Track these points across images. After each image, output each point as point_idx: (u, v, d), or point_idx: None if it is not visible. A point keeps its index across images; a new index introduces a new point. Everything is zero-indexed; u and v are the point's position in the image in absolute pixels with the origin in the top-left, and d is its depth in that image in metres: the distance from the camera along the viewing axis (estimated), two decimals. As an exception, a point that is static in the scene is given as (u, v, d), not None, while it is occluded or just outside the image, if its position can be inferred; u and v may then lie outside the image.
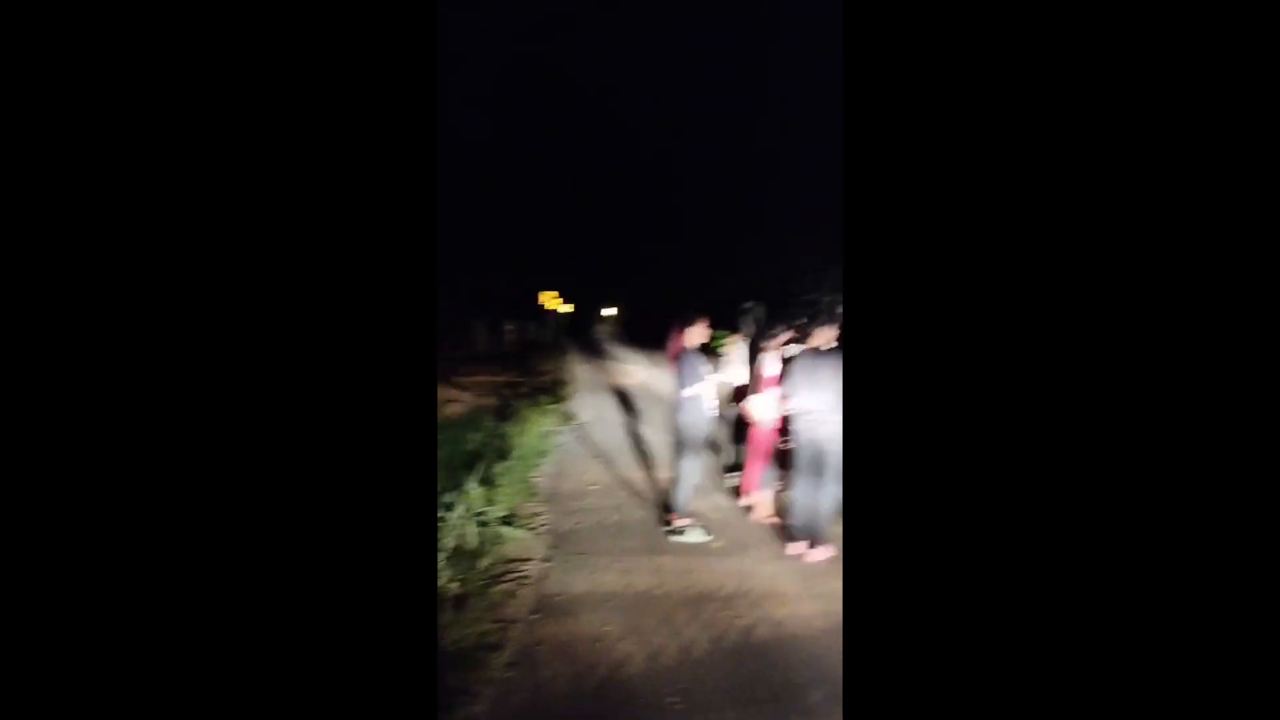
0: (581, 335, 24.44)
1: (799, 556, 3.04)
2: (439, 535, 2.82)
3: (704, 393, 3.13)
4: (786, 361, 3.23)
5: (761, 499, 3.57)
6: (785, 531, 3.25)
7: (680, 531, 3.23)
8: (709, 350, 3.34)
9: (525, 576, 2.73)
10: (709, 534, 3.26)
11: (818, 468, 3.01)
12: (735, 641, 2.30)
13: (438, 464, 3.91)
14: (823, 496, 3.00)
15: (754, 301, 4.72)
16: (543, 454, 4.68)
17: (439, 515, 2.97)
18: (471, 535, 2.89)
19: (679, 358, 3.16)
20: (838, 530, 3.03)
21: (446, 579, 2.52)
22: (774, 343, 3.40)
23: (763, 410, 3.34)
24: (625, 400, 7.74)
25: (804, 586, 2.74)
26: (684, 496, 3.22)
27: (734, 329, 4.06)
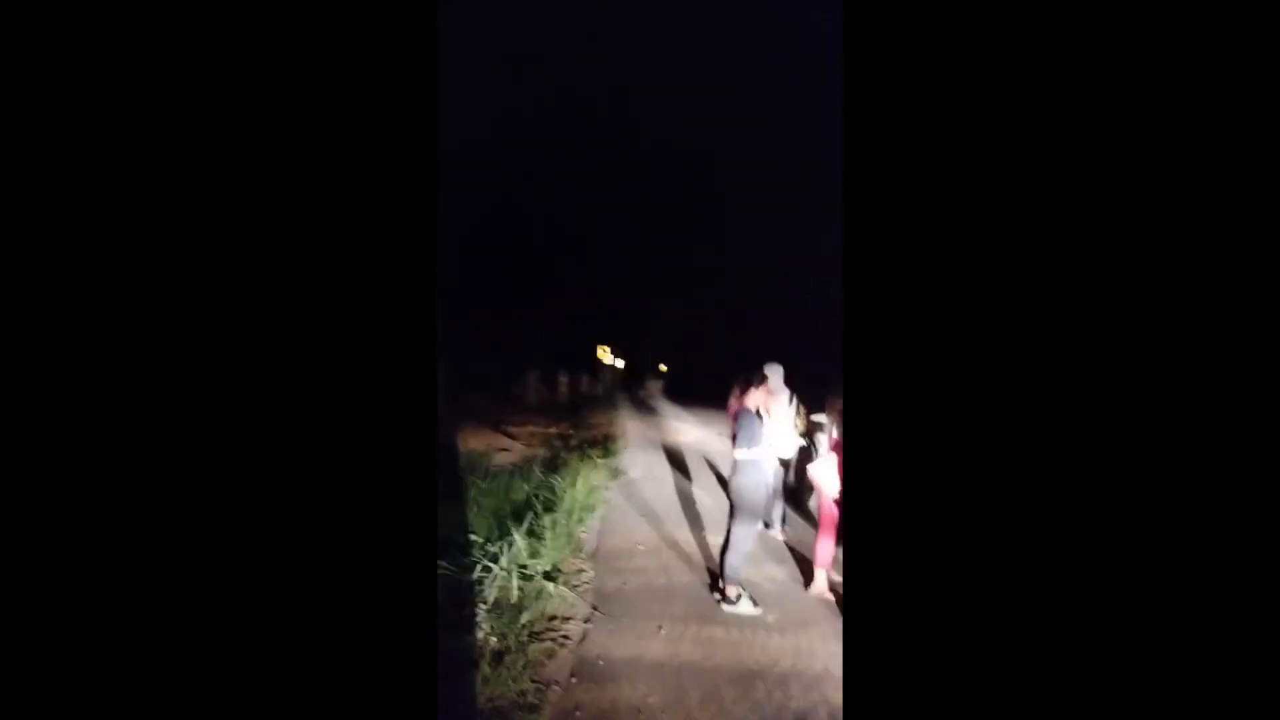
0: (634, 391, 24.52)
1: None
2: (481, 588, 2.77)
3: (762, 456, 3.02)
4: None
5: (825, 572, 3.35)
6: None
7: (732, 600, 3.05)
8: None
9: (566, 636, 2.63)
10: (758, 606, 3.06)
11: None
12: (789, 728, 2.10)
13: (477, 511, 3.91)
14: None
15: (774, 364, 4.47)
16: (590, 509, 4.60)
17: (483, 565, 2.93)
18: (514, 589, 2.82)
19: (737, 417, 3.08)
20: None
21: (486, 632, 2.45)
22: (837, 405, 3.27)
23: (829, 478, 3.18)
24: (675, 458, 7.60)
25: (866, 672, 2.50)
26: (735, 564, 3.06)
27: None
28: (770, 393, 3.11)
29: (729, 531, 3.11)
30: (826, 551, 3.33)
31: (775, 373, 3.54)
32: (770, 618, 2.99)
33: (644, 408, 16.40)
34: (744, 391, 3.12)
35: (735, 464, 3.07)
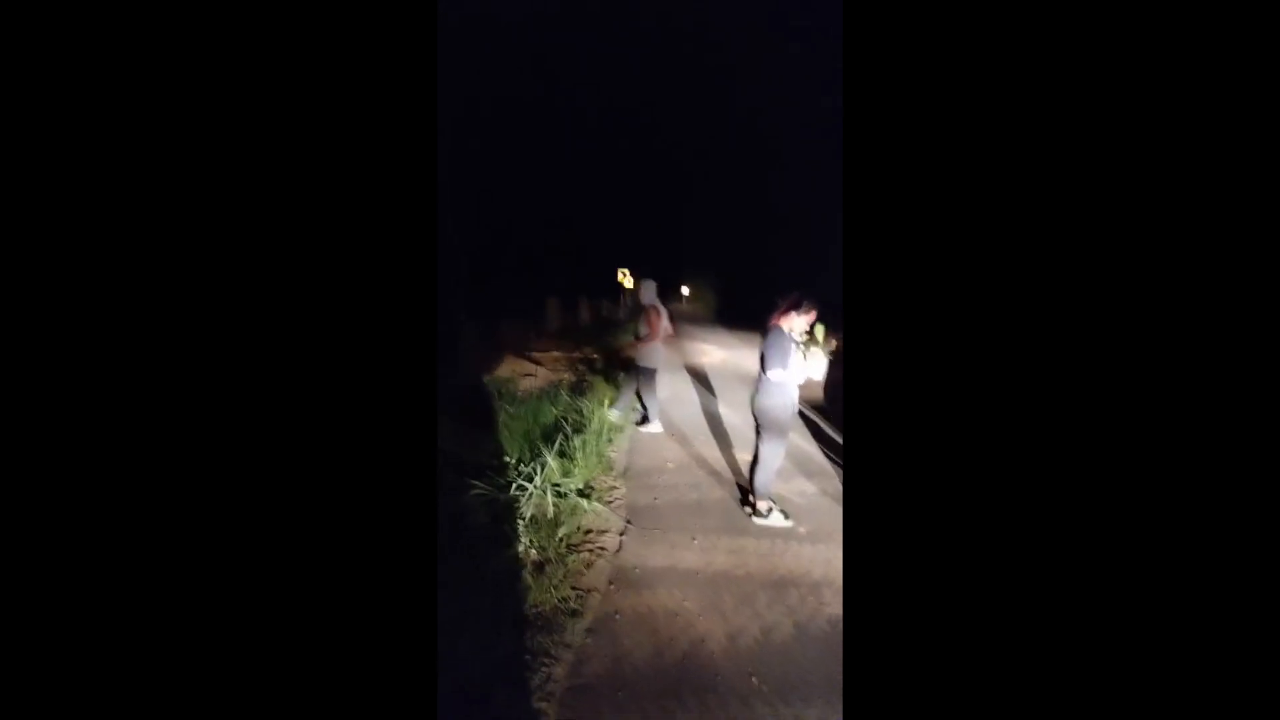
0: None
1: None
2: (518, 505, 2.85)
3: (790, 378, 2.96)
4: None
5: None
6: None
7: (762, 514, 3.10)
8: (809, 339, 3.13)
9: (603, 548, 2.71)
10: (790, 519, 3.11)
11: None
12: (822, 630, 2.17)
13: (508, 435, 3.98)
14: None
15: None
16: (618, 430, 4.66)
17: (518, 485, 3.00)
18: (548, 505, 2.90)
19: (767, 337, 3.00)
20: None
21: (525, 546, 2.54)
22: None
23: None
24: (701, 380, 7.62)
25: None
26: (764, 480, 3.09)
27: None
28: (806, 317, 3.01)
29: (757, 449, 3.12)
30: None
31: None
32: (802, 529, 3.04)
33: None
34: (784, 314, 3.02)
35: (761, 383, 3.03)
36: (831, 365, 5.74)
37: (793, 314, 2.99)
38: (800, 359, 2.97)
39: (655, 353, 4.62)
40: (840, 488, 3.73)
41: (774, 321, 3.04)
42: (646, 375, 4.69)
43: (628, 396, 4.87)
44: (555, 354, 8.47)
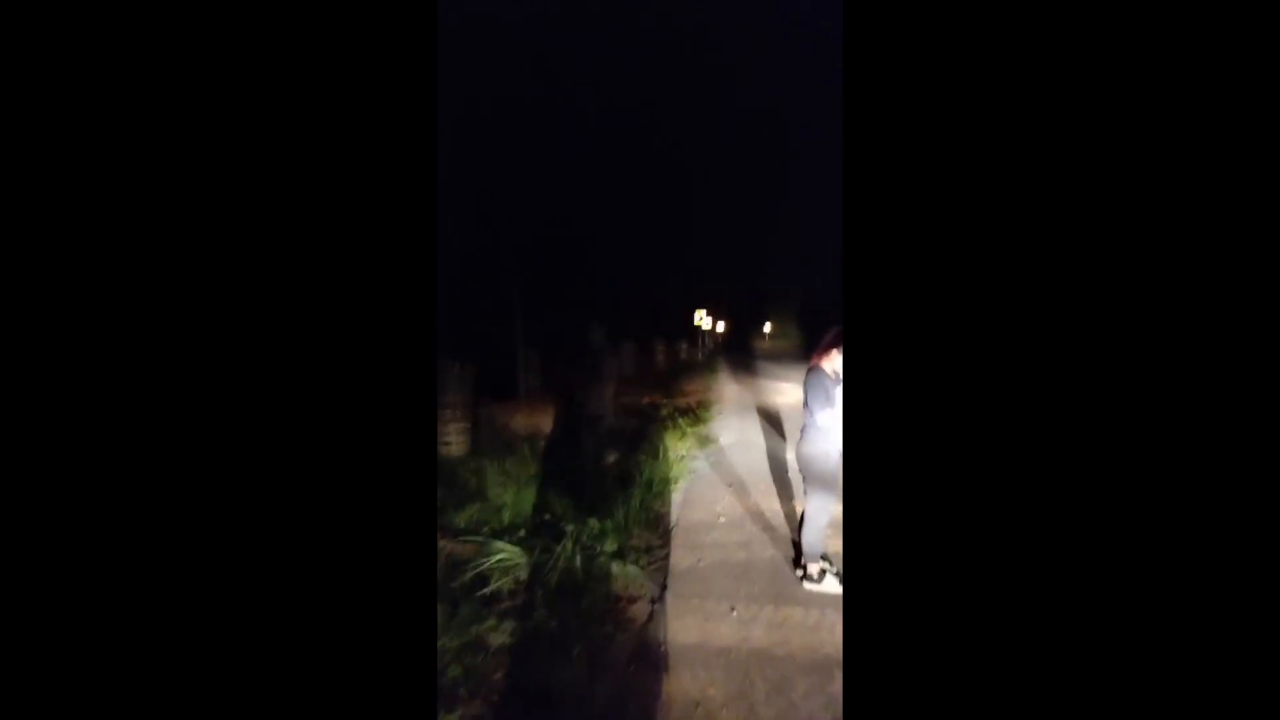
0: (737, 354, 23.98)
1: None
2: (543, 571, 2.72)
3: (835, 421, 2.67)
4: None
5: None
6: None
7: (814, 579, 2.77)
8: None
9: (629, 619, 2.51)
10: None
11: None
12: (869, 730, 1.83)
13: (553, 490, 3.89)
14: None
15: None
16: (672, 481, 4.46)
17: (542, 547, 2.88)
18: (576, 569, 2.75)
19: (807, 378, 2.74)
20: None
21: (544, 618, 2.40)
22: None
23: None
24: (772, 422, 7.25)
25: (971, 662, 2.14)
26: (813, 539, 2.77)
27: None
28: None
29: (806, 505, 2.82)
30: None
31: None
32: (859, 597, 2.68)
33: (744, 371, 15.95)
34: (825, 352, 2.77)
35: (804, 430, 2.75)
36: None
37: (834, 351, 2.72)
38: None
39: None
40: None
41: (814, 361, 2.79)
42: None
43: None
44: (624, 400, 8.43)
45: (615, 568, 2.84)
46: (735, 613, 2.56)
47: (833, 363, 2.72)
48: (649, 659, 2.24)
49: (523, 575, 2.71)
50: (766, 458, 5.40)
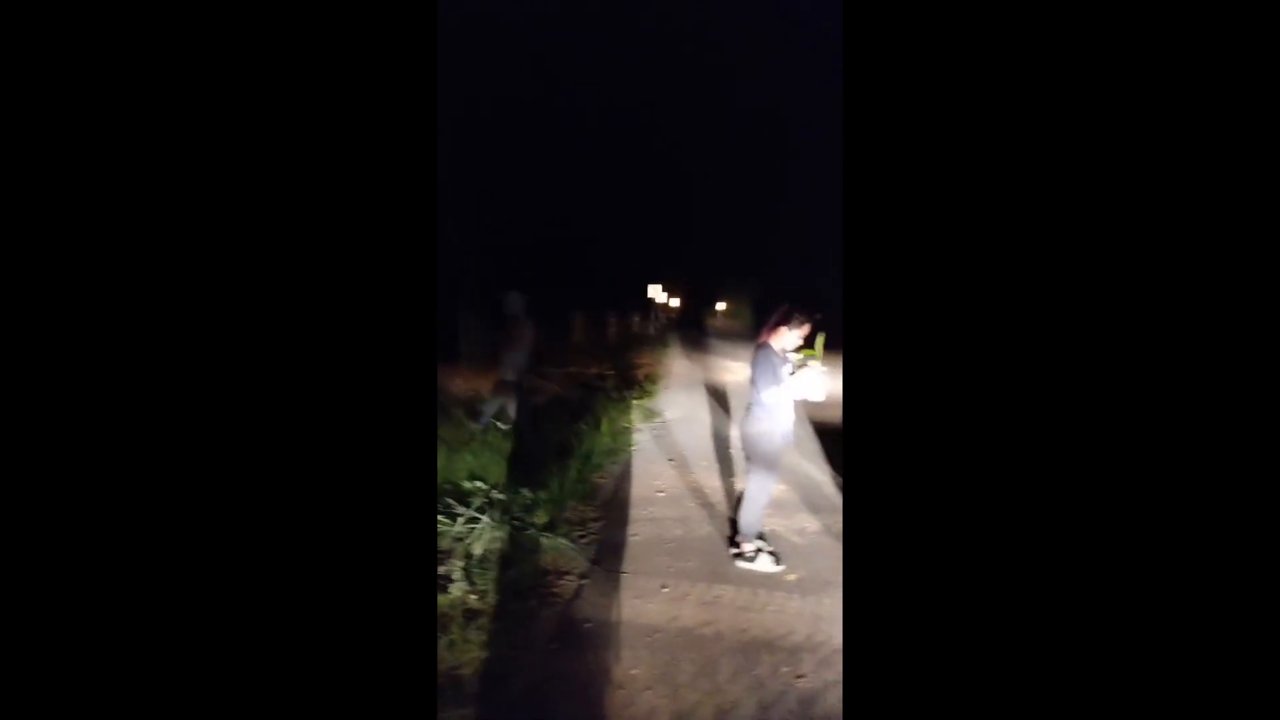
0: (691, 330, 24.05)
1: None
2: (465, 541, 2.57)
3: (781, 400, 2.60)
4: None
5: None
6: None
7: (749, 557, 2.73)
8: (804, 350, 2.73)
9: (556, 595, 2.40)
10: (781, 563, 2.72)
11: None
12: (790, 710, 1.79)
13: (491, 457, 3.71)
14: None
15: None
16: (613, 454, 4.35)
17: (468, 518, 2.72)
18: (503, 541, 2.61)
19: (756, 355, 2.65)
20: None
21: (464, 591, 2.25)
22: None
23: None
24: (720, 399, 7.24)
25: (897, 645, 2.13)
26: (750, 519, 2.72)
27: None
28: (799, 331, 2.65)
29: (746, 483, 2.76)
30: None
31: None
32: (792, 576, 2.65)
33: (697, 346, 15.98)
34: (773, 330, 2.67)
35: (750, 409, 2.67)
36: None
37: (783, 329, 2.64)
38: (797, 378, 2.61)
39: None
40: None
41: (762, 339, 2.70)
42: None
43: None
44: (570, 369, 8.25)
45: (545, 540, 2.72)
46: (666, 590, 2.48)
47: (781, 341, 2.64)
48: (573, 637, 2.13)
49: (442, 545, 2.55)
50: (711, 434, 5.36)
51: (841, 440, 5.13)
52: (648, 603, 2.38)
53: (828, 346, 2.75)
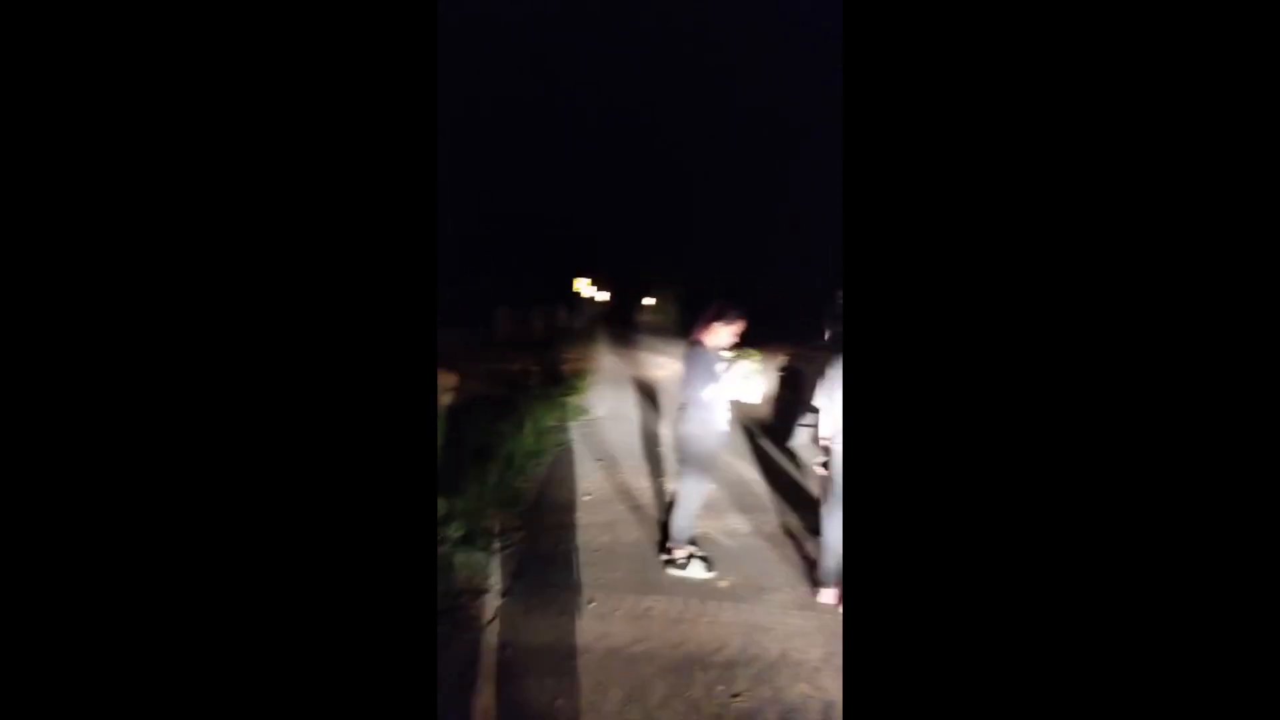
0: (619, 324, 23.94)
1: (832, 606, 2.39)
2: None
3: (715, 400, 2.49)
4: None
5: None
6: (815, 573, 2.59)
7: (680, 564, 2.61)
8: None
9: (471, 616, 2.17)
10: (713, 569, 2.62)
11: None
12: (728, 739, 1.67)
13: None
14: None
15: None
16: (537, 456, 4.12)
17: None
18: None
19: (690, 353, 2.52)
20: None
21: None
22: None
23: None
24: (649, 395, 7.14)
25: (830, 651, 2.08)
26: (682, 524, 2.60)
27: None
28: (733, 329, 2.54)
29: (678, 486, 2.63)
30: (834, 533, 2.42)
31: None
32: (724, 582, 2.56)
33: (625, 342, 15.88)
34: (707, 327, 2.55)
35: (682, 408, 2.55)
36: (782, 380, 5.33)
37: (716, 326, 2.53)
38: (732, 378, 2.50)
39: None
40: (779, 524, 3.26)
41: (695, 336, 2.57)
42: None
43: None
44: (493, 365, 7.88)
45: (460, 556, 2.47)
46: (594, 605, 2.31)
47: (715, 338, 2.53)
48: (490, 667, 1.92)
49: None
50: (640, 432, 5.24)
51: (770, 437, 5.16)
52: (573, 621, 2.20)
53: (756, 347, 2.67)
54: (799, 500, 3.68)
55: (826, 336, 4.35)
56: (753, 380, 2.54)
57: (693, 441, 2.53)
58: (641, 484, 3.82)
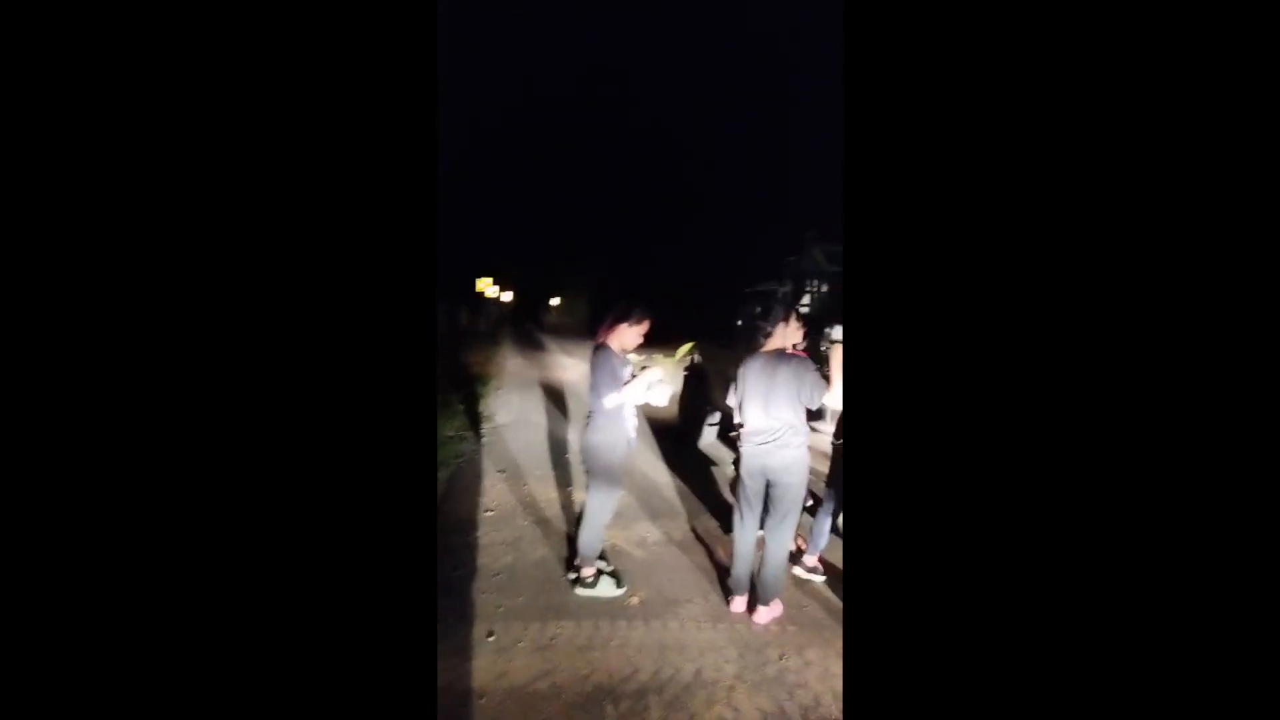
0: (525, 325, 23.35)
1: (743, 615, 2.33)
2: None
3: (624, 405, 2.36)
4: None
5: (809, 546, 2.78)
6: (726, 583, 2.53)
7: (589, 583, 2.45)
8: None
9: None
10: (623, 585, 2.49)
11: (769, 505, 2.30)
12: (642, 780, 1.53)
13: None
14: (773, 541, 2.28)
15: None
16: (435, 468, 3.80)
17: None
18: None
19: (595, 357, 2.37)
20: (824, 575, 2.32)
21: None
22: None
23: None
24: (556, 399, 6.91)
25: (745, 666, 2.00)
26: (590, 540, 2.44)
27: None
28: (638, 329, 2.42)
29: (587, 500, 2.47)
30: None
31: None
32: (635, 599, 2.43)
33: (531, 344, 15.45)
34: (611, 328, 2.40)
35: (590, 416, 2.39)
36: (687, 380, 5.30)
37: (621, 327, 2.40)
38: (640, 382, 2.38)
39: None
40: (690, 529, 3.19)
41: (600, 338, 2.43)
42: None
43: None
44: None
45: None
46: (493, 639, 2.10)
47: (620, 340, 2.40)
48: None
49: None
50: (547, 439, 5.02)
51: (678, 441, 5.12)
52: (470, 659, 1.97)
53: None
54: (711, 502, 3.64)
55: (738, 333, 4.36)
56: (660, 385, 2.43)
57: (600, 451, 2.38)
58: (549, 495, 3.62)
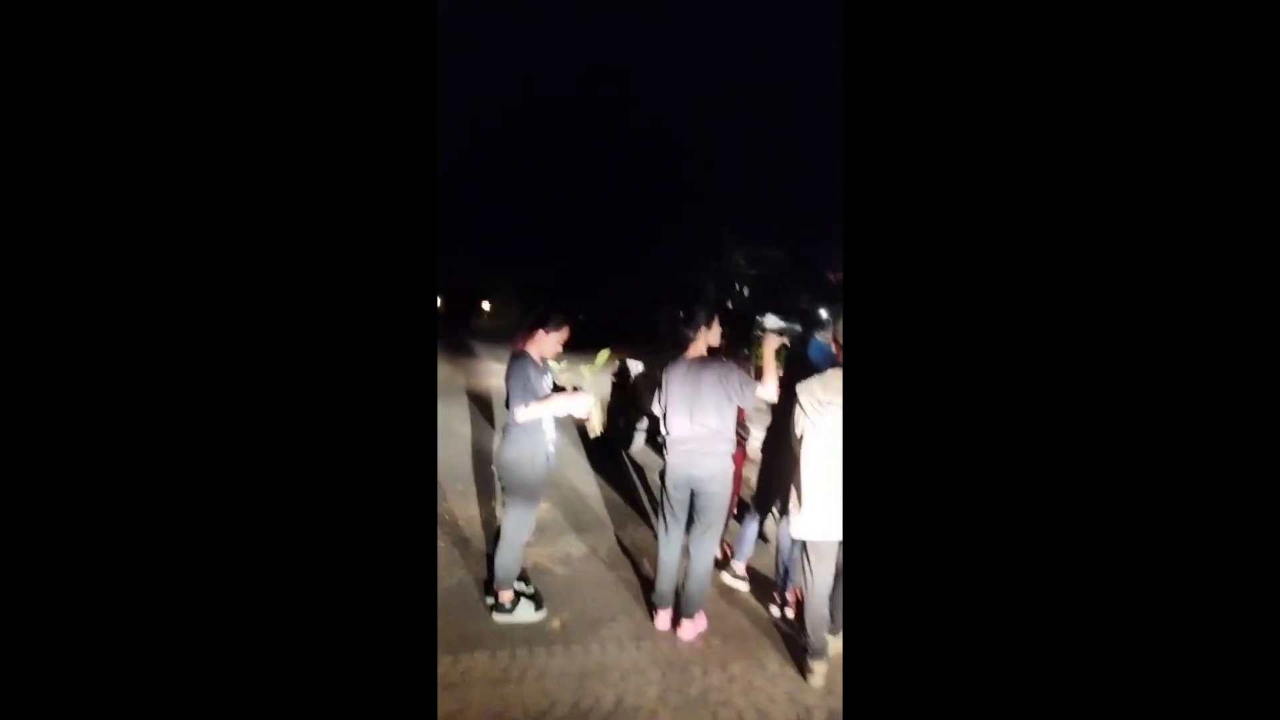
0: (453, 330, 22.58)
1: (669, 634, 2.27)
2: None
3: (541, 418, 2.24)
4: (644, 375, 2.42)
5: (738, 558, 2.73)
6: (650, 598, 2.46)
7: (506, 608, 2.31)
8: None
9: None
10: (542, 608, 2.37)
11: (692, 516, 2.25)
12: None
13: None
14: (698, 552, 2.23)
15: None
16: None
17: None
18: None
19: (511, 366, 2.23)
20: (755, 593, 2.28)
21: None
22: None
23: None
24: (483, 407, 6.66)
25: (667, 687, 1.94)
26: (507, 562, 2.31)
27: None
28: (558, 336, 2.31)
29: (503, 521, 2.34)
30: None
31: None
32: (556, 622, 2.32)
33: (459, 349, 14.94)
34: (529, 335, 2.28)
35: (505, 429, 2.26)
36: (615, 389, 5.23)
37: (540, 333, 2.28)
38: (560, 392, 2.27)
39: None
40: (615, 543, 3.11)
41: (518, 346, 2.30)
42: None
43: None
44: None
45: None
46: (398, 677, 1.93)
47: (539, 348, 2.29)
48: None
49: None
50: (470, 451, 4.80)
51: (605, 445, 5.03)
52: (370, 704, 1.80)
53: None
54: (639, 511, 3.57)
55: (662, 337, 4.33)
56: (580, 396, 2.33)
57: (516, 467, 2.25)
58: (469, 512, 3.44)
